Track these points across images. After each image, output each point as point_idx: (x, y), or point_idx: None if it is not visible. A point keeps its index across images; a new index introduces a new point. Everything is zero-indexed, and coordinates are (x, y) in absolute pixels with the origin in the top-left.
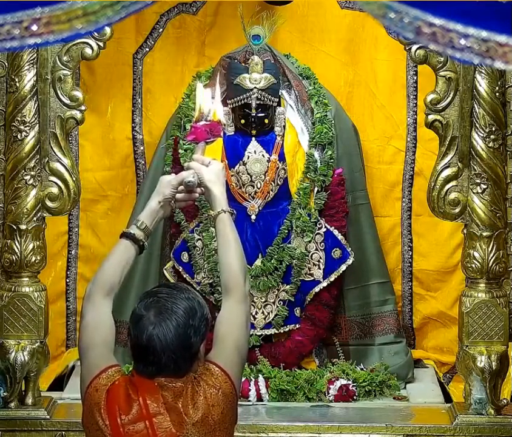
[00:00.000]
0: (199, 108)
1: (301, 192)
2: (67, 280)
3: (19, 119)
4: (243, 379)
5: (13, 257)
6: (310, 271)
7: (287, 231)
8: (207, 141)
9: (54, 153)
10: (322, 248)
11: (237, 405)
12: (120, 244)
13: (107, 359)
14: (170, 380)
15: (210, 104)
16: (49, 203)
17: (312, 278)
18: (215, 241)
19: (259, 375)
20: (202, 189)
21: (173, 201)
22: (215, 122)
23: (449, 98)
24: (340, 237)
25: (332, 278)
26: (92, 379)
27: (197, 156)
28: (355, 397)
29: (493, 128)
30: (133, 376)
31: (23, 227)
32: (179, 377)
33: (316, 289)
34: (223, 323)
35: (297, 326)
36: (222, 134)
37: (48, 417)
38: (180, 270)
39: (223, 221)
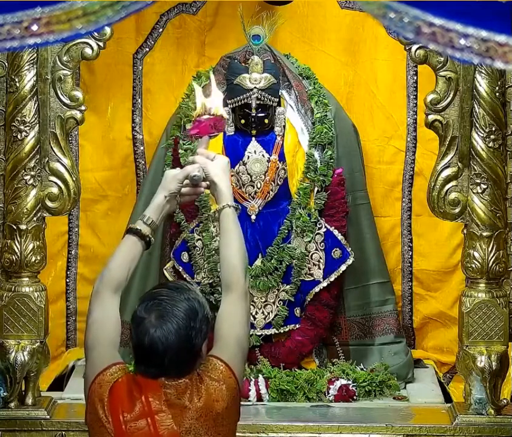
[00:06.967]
0: (202, 104)
1: (301, 192)
2: (67, 280)
3: (19, 119)
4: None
5: (13, 257)
6: (310, 271)
7: (287, 231)
8: (211, 135)
9: (54, 153)
10: (322, 248)
11: (240, 401)
12: (126, 240)
13: (111, 357)
14: (173, 379)
15: (213, 99)
16: (49, 203)
17: (312, 278)
18: (215, 241)
19: (259, 375)
20: (208, 183)
21: (178, 196)
22: (218, 116)
23: (449, 98)
24: (340, 237)
25: (332, 278)
26: (96, 376)
27: (201, 150)
28: (355, 397)
29: (493, 128)
30: (136, 374)
31: (23, 227)
32: (182, 377)
33: (316, 289)
34: (224, 319)
35: (297, 326)
36: (224, 129)
37: (48, 417)
38: (180, 270)
39: (227, 215)
